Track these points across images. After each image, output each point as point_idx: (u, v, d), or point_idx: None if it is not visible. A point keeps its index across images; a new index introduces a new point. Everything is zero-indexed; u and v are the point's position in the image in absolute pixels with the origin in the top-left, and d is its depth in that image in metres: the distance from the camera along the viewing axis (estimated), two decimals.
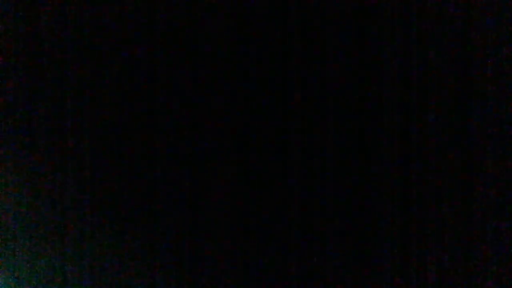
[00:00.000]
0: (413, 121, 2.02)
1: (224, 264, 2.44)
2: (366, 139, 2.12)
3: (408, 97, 2.04)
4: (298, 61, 2.27)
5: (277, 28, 2.32)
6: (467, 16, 1.95)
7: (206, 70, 2.50)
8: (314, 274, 2.23)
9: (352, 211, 2.14)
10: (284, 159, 2.30)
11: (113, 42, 2.76)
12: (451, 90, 1.97)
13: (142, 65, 2.66)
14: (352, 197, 2.15)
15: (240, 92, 2.41)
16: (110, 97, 2.76)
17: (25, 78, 3.06)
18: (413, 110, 2.02)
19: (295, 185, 2.27)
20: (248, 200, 2.39)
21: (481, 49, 1.92)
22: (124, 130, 2.71)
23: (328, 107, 2.20)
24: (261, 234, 2.35)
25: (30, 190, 3.04)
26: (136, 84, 2.68)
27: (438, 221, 1.98)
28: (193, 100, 2.53)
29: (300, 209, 2.26)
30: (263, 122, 2.34)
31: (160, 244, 2.60)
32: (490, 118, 1.90)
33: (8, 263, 3.09)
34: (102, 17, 2.79)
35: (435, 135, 1.99)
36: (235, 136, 2.42)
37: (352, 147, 2.15)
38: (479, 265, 1.92)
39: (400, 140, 2.05)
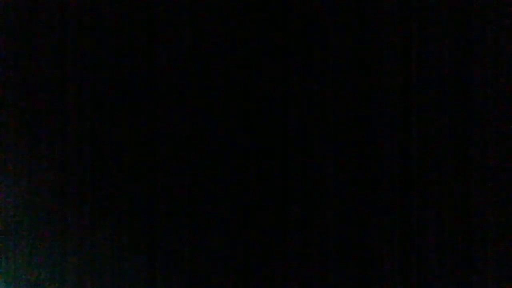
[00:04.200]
0: (413, 121, 2.02)
1: (224, 264, 2.44)
2: (366, 139, 2.12)
3: (408, 97, 2.04)
4: (298, 61, 2.27)
5: (277, 28, 2.31)
6: (467, 16, 1.94)
7: (206, 70, 2.50)
8: (314, 275, 2.23)
9: (352, 211, 2.14)
10: (284, 161, 2.30)
11: (113, 42, 2.76)
12: (451, 89, 1.97)
13: (142, 65, 2.66)
14: (352, 197, 2.14)
15: (240, 92, 2.41)
16: (111, 96, 2.76)
17: (25, 78, 3.06)
18: (413, 110, 2.02)
19: (295, 186, 2.27)
20: (248, 201, 2.39)
21: (481, 49, 1.92)
22: (124, 129, 2.71)
23: (328, 107, 2.20)
24: (261, 234, 2.35)
25: (30, 189, 3.04)
26: (137, 84, 2.68)
27: (438, 221, 1.98)
28: (194, 101, 2.53)
29: (300, 210, 2.26)
30: (263, 122, 2.34)
31: (160, 244, 2.60)
32: (490, 118, 1.90)
33: (8, 263, 3.09)
34: (103, 17, 2.79)
35: (435, 135, 1.99)
36: (235, 137, 2.42)
37: (352, 148, 2.14)
38: (479, 265, 1.92)
39: (400, 140, 2.05)
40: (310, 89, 2.23)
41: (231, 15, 2.43)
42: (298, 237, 2.26)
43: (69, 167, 2.90)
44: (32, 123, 3.04)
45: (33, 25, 3.03)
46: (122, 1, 2.72)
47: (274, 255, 2.32)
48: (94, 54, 2.81)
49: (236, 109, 2.41)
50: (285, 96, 2.29)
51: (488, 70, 1.91)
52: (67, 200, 2.90)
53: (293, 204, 2.27)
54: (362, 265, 2.12)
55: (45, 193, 2.98)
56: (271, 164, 2.32)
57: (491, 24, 1.90)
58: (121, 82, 2.72)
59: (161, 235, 2.60)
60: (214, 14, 2.47)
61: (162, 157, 2.60)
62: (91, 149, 2.82)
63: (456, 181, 1.95)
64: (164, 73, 2.60)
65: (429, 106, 1.99)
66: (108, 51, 2.77)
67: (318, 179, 2.22)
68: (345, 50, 2.16)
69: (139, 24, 2.66)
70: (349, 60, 2.15)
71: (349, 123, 2.15)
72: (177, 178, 2.56)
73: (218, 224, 2.46)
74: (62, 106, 2.92)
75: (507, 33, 1.88)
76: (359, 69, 2.12)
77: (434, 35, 1.98)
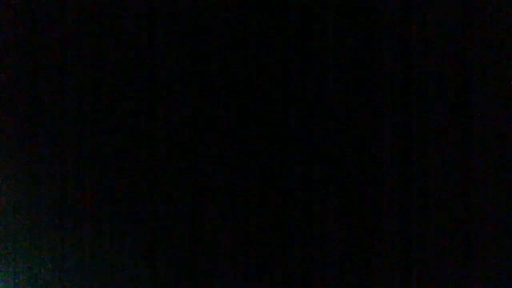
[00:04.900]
0: (413, 121, 2.02)
1: (224, 264, 2.44)
2: (366, 139, 2.11)
3: (407, 98, 2.03)
4: (298, 61, 2.27)
5: (277, 28, 2.31)
6: (467, 16, 1.94)
7: (206, 70, 2.49)
8: (314, 275, 2.23)
9: (352, 212, 2.14)
10: (284, 160, 2.29)
11: (113, 41, 2.75)
12: (451, 90, 1.97)
13: (143, 64, 2.65)
14: (352, 197, 2.14)
15: (240, 92, 2.40)
16: (111, 94, 2.76)
17: (25, 75, 3.06)
18: (413, 110, 2.02)
19: (295, 186, 2.27)
20: (248, 200, 2.38)
21: (481, 49, 1.92)
22: (124, 129, 2.71)
23: (328, 107, 2.20)
24: (260, 234, 2.35)
25: (30, 190, 3.04)
26: (137, 82, 2.67)
27: (438, 221, 1.98)
28: (193, 100, 2.53)
29: (300, 211, 2.26)
30: (263, 122, 2.34)
31: (160, 244, 2.60)
32: (490, 119, 1.90)
33: (8, 264, 3.08)
34: (103, 15, 2.79)
35: (435, 135, 1.98)
36: (235, 136, 2.42)
37: (352, 148, 2.14)
38: (479, 265, 1.92)
39: (400, 140, 2.05)
40: (310, 88, 2.23)
41: (231, 15, 2.43)
42: (298, 236, 2.26)
43: (69, 168, 2.90)
44: (31, 125, 3.03)
45: (33, 27, 3.03)
46: (122, 1, 2.72)
47: (273, 254, 2.31)
48: (94, 55, 2.81)
49: (236, 109, 2.41)
50: (285, 96, 2.29)
51: (488, 70, 1.90)
52: (67, 201, 2.90)
53: (293, 203, 2.27)
54: (362, 265, 2.11)
55: (45, 194, 2.98)
56: (271, 163, 2.32)
57: (491, 24, 1.90)
58: (121, 83, 2.72)
59: (161, 235, 2.60)
60: (214, 14, 2.47)
61: (162, 156, 2.60)
62: (91, 149, 2.82)
63: (456, 181, 1.95)
64: (164, 73, 2.60)
65: (429, 106, 1.99)
66: (108, 51, 2.77)
67: (318, 179, 2.22)
68: (345, 50, 2.16)
69: (139, 24, 2.66)
70: (349, 60, 2.15)
71: (349, 123, 2.14)
72: (178, 178, 2.56)
73: (218, 223, 2.45)
74: (62, 108, 2.92)
75: (507, 33, 1.88)
76: (359, 69, 2.12)
77: (434, 35, 1.98)
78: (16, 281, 3.07)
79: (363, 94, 2.12)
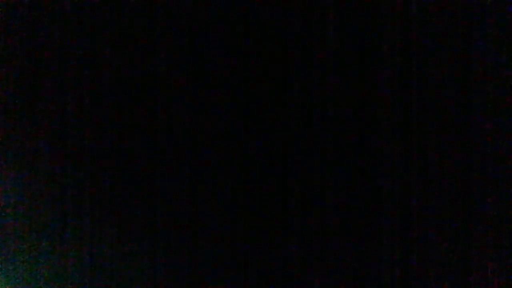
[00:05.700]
0: (413, 122, 2.02)
1: (224, 264, 2.44)
2: (366, 139, 2.12)
3: (408, 97, 2.04)
4: (298, 61, 2.27)
5: (276, 28, 2.32)
6: (467, 16, 1.95)
7: (206, 70, 2.50)
8: (314, 274, 2.23)
9: (352, 211, 2.14)
10: (284, 160, 2.30)
11: (112, 42, 2.76)
12: (451, 90, 1.97)
13: (142, 66, 2.66)
14: (352, 197, 2.15)
15: (240, 92, 2.41)
16: (110, 96, 2.76)
17: (25, 79, 3.06)
18: (413, 110, 2.03)
19: (294, 186, 2.27)
20: (247, 200, 2.39)
21: (481, 50, 1.92)
22: (124, 130, 2.71)
23: (328, 107, 2.20)
24: (260, 234, 2.35)
25: (30, 191, 3.04)
26: (136, 84, 2.68)
27: (438, 221, 1.98)
28: (193, 100, 2.53)
29: (300, 210, 2.26)
30: (263, 122, 2.34)
31: (160, 244, 2.60)
32: (490, 119, 1.90)
33: (8, 265, 3.09)
34: (102, 16, 2.79)
35: (435, 135, 1.99)
36: (235, 136, 2.42)
37: (352, 148, 2.15)
38: (479, 265, 1.92)
39: (400, 140, 2.05)
40: (310, 88, 2.24)
41: (232, 15, 2.43)
42: (297, 236, 2.26)
43: (69, 168, 2.90)
44: (32, 128, 3.04)
45: (33, 28, 3.03)
46: (123, 1, 2.73)
47: (273, 254, 2.32)
48: (93, 53, 2.82)
49: (236, 109, 2.41)
50: (285, 95, 2.29)
51: (488, 69, 1.91)
52: (67, 201, 2.90)
53: (293, 203, 2.28)
54: (361, 264, 2.12)
55: (46, 195, 2.98)
56: (271, 163, 2.32)
57: (491, 25, 1.91)
58: (121, 82, 2.73)
59: (161, 235, 2.60)
60: (214, 13, 2.47)
61: (162, 156, 2.60)
62: (91, 150, 2.82)
63: (456, 181, 1.95)
64: (164, 74, 2.60)
65: (429, 106, 1.99)
66: (107, 50, 2.77)
67: (318, 179, 2.22)
68: (345, 51, 2.16)
69: (139, 24, 2.67)
70: (349, 61, 2.15)
71: (350, 122, 2.15)
72: (177, 178, 2.56)
73: (218, 223, 2.46)
74: (62, 111, 2.92)
75: (507, 33, 1.88)
76: (359, 69, 2.13)
77: (434, 35, 1.98)
78: (17, 281, 3.07)
79: (363, 94, 2.12)
